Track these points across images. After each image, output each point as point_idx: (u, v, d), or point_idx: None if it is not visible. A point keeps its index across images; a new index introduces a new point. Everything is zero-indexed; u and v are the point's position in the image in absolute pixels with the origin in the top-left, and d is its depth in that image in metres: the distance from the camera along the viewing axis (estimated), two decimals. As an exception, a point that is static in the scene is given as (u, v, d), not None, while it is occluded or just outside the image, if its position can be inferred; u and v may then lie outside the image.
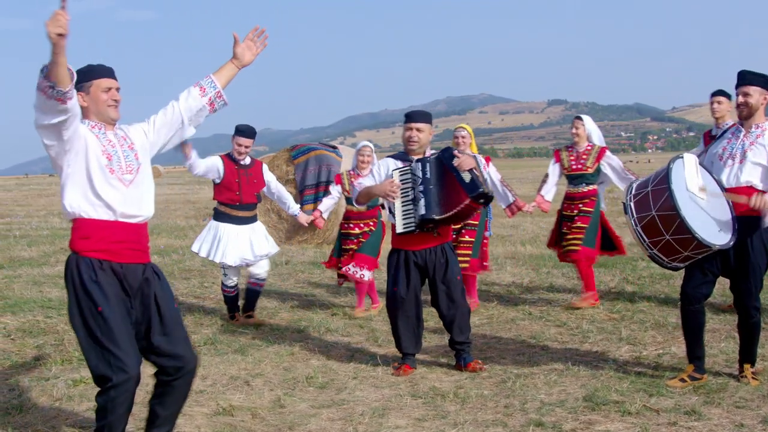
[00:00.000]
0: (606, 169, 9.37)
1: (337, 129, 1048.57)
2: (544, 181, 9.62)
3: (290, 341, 8.28)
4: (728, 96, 9.15)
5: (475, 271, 9.61)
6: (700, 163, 6.33)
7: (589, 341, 7.93)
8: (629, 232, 6.37)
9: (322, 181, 16.55)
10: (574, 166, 9.40)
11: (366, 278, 9.47)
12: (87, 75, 4.69)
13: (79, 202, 4.63)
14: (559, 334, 8.27)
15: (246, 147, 9.01)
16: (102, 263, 4.64)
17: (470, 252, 9.44)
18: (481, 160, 7.05)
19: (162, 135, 4.98)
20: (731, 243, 6.00)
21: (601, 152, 9.37)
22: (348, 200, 9.57)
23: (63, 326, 9.00)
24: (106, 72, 4.77)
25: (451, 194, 6.73)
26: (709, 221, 6.00)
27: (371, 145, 9.86)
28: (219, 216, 9.12)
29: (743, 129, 6.34)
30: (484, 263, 9.73)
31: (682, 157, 6.23)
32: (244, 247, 9.03)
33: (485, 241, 9.74)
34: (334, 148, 17.68)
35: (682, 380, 6.35)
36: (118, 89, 4.79)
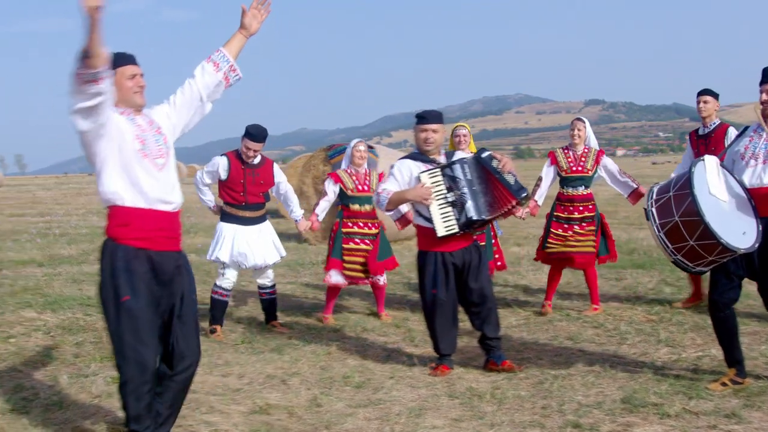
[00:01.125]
0: (603, 172, 9.28)
1: (374, 129, 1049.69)
2: (537, 185, 9.39)
3: (327, 341, 8.30)
4: (715, 95, 9.19)
5: (491, 272, 9.57)
6: (721, 164, 6.23)
7: (627, 343, 7.87)
8: (651, 237, 6.29)
9: (359, 181, 16.56)
10: (573, 168, 9.24)
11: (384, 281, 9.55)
12: (111, 64, 4.65)
13: (117, 188, 4.68)
14: (597, 336, 8.22)
15: (255, 151, 8.63)
16: (138, 251, 4.71)
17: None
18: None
19: (183, 115, 5.05)
20: (756, 245, 5.89)
21: (599, 154, 9.28)
22: (352, 199, 9.32)
23: (102, 324, 9.04)
24: (129, 59, 4.79)
25: (496, 196, 6.72)
26: (732, 224, 5.90)
27: (364, 140, 9.75)
28: (225, 217, 8.84)
29: (765, 127, 6.22)
30: (499, 262, 9.71)
31: (704, 160, 6.12)
32: (245, 248, 8.70)
33: (495, 240, 9.74)
34: (371, 147, 17.65)
35: (723, 384, 6.27)
36: (142, 75, 4.81)
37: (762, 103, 6.18)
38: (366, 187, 9.33)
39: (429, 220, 6.87)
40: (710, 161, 6.11)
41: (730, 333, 6.31)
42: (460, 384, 6.68)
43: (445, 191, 6.81)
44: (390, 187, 7.05)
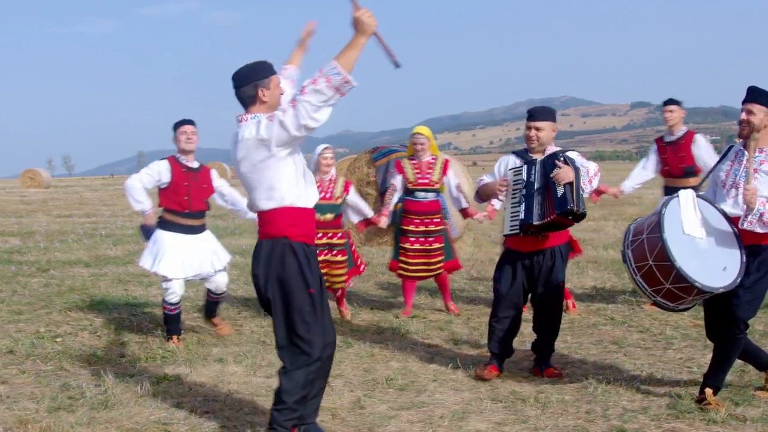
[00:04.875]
0: None
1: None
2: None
3: (370, 342, 8.30)
4: (679, 103, 9.55)
5: (450, 271, 9.84)
6: (699, 195, 6.03)
7: (673, 348, 7.80)
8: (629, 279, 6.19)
9: (403, 183, 16.57)
10: None
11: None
12: (267, 70, 5.02)
13: (291, 191, 5.02)
14: (642, 340, 8.15)
15: (192, 133, 8.13)
16: (308, 247, 5.13)
17: (443, 257, 9.57)
18: (590, 167, 6.84)
19: None
20: (738, 280, 5.68)
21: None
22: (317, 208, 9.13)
23: (147, 324, 9.16)
24: (274, 70, 5.09)
25: (545, 204, 6.65)
26: (711, 261, 5.72)
27: (331, 146, 9.56)
28: (165, 225, 8.29)
29: (746, 152, 5.98)
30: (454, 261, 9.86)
31: (678, 197, 5.91)
32: (191, 259, 8.22)
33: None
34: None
35: (768, 389, 6.22)
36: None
37: (740, 122, 5.98)
38: (329, 195, 9.23)
39: None
40: (685, 197, 5.92)
41: (746, 349, 6.16)
42: (504, 387, 6.66)
43: (519, 190, 6.84)
44: (486, 179, 7.30)
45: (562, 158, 6.68)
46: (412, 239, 9.47)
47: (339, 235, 9.28)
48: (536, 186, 6.73)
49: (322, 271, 9.02)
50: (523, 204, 6.72)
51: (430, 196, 9.51)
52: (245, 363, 7.46)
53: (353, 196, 9.51)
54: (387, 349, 8.00)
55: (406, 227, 9.51)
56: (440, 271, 9.63)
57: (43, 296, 11.10)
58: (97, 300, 10.74)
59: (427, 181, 9.46)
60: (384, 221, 9.51)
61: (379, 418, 5.91)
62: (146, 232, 8.40)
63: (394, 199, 9.62)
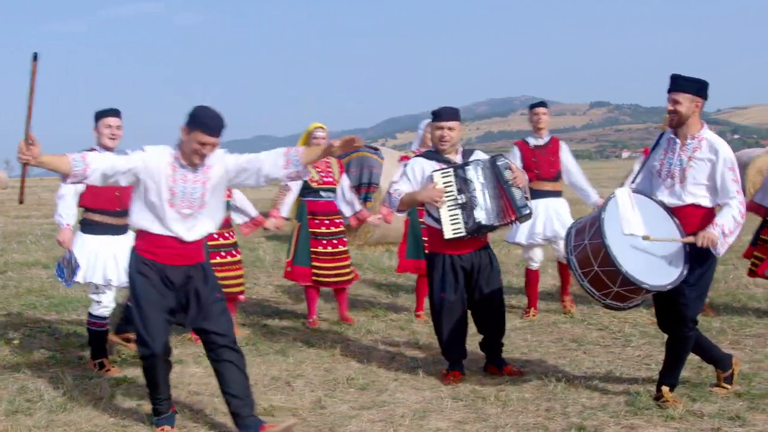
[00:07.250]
0: None
1: (378, 131, 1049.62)
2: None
3: (331, 342, 8.29)
4: (548, 107, 9.55)
5: (356, 279, 9.51)
6: (636, 190, 6.04)
7: (632, 345, 7.87)
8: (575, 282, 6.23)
9: (364, 183, 16.55)
10: None
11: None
12: (191, 120, 5.35)
13: (136, 215, 5.57)
14: (601, 338, 8.22)
15: (117, 128, 7.07)
16: (146, 261, 5.54)
17: (349, 261, 9.23)
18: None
19: (240, 176, 5.62)
20: (685, 273, 5.73)
21: None
22: None
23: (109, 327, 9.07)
24: (207, 128, 5.31)
25: (501, 206, 6.67)
26: (656, 258, 5.75)
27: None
28: (89, 227, 7.33)
29: (678, 140, 5.95)
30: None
31: (615, 196, 5.86)
32: (124, 263, 6.56)
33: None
34: (376, 150, 17.65)
35: (723, 386, 6.29)
36: (213, 145, 5.39)
37: (668, 112, 5.93)
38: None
39: (438, 221, 6.79)
40: (621, 195, 5.87)
41: (698, 343, 6.19)
42: (464, 386, 6.68)
43: (456, 193, 6.72)
44: (402, 188, 6.95)
45: (505, 159, 6.81)
46: (324, 242, 8.98)
47: (232, 233, 8.57)
48: (489, 188, 6.73)
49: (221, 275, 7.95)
50: (480, 205, 6.67)
51: (332, 195, 9.07)
52: (205, 364, 7.37)
53: (238, 195, 8.63)
54: (348, 349, 8.01)
55: (316, 230, 8.98)
56: (352, 275, 9.21)
57: (0, 298, 11.00)
58: (56, 302, 10.65)
59: (331, 179, 9.04)
60: (272, 222, 8.71)
61: (340, 418, 5.91)
62: (63, 268, 7.49)
63: (287, 199, 8.95)
